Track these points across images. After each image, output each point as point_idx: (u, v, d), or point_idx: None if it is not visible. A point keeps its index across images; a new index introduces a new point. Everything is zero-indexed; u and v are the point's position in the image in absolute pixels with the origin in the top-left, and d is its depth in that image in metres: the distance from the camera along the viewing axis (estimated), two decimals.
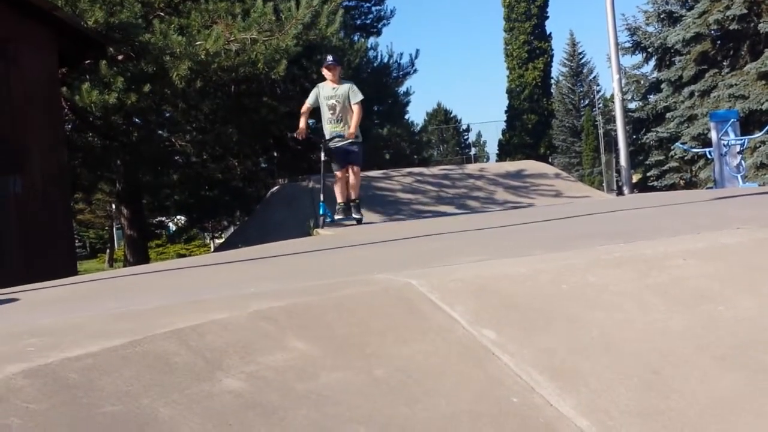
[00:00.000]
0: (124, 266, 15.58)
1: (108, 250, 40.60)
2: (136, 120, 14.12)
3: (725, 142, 13.77)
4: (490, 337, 2.51)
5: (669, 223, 5.09)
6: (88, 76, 10.33)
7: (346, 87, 7.93)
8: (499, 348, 2.45)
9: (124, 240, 19.18)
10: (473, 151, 72.97)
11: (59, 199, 8.74)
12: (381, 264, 3.89)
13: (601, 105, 52.07)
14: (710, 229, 3.85)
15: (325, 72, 8.00)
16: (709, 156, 17.96)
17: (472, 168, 15.46)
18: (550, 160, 47.47)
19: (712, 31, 26.63)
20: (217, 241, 35.27)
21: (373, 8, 22.54)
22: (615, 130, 17.73)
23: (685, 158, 28.15)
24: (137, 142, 13.71)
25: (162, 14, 11.50)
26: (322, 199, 8.08)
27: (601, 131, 48.42)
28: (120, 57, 10.74)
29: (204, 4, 11.04)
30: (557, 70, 57.24)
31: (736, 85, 25.22)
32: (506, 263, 3.32)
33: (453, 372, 2.31)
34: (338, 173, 8.03)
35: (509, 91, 53.81)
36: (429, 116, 68.70)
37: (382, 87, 18.07)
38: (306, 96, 8.22)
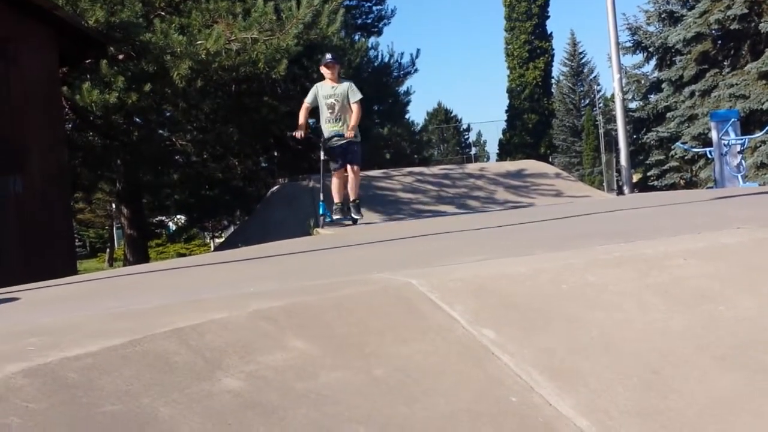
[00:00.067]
0: (124, 266, 15.58)
1: (108, 250, 40.61)
2: (137, 119, 14.12)
3: (726, 142, 13.77)
4: (490, 336, 2.51)
5: (669, 222, 5.09)
6: (88, 76, 10.34)
7: (345, 86, 7.90)
8: (498, 348, 2.45)
9: (124, 239, 19.19)
10: (473, 150, 73.03)
11: (59, 198, 8.74)
12: (380, 263, 3.89)
13: (601, 104, 52.13)
14: (710, 229, 3.85)
15: (323, 70, 7.98)
16: (709, 156, 17.97)
17: (472, 167, 15.45)
18: (550, 159, 47.46)
19: (713, 31, 26.62)
20: (217, 240, 35.27)
21: (374, 8, 22.55)
22: (615, 130, 17.74)
23: (686, 158, 28.14)
24: (138, 142, 13.71)
25: (163, 13, 11.51)
26: (322, 198, 8.07)
27: (601, 131, 48.45)
28: (121, 56, 10.75)
29: (205, 3, 11.04)
30: (558, 69, 57.37)
31: (736, 84, 25.21)
32: (506, 263, 3.32)
33: (452, 371, 2.31)
34: (336, 173, 7.98)
35: (510, 91, 53.83)
36: (429, 116, 68.74)
37: (382, 86, 18.06)
38: (306, 95, 8.20)
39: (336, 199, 8.01)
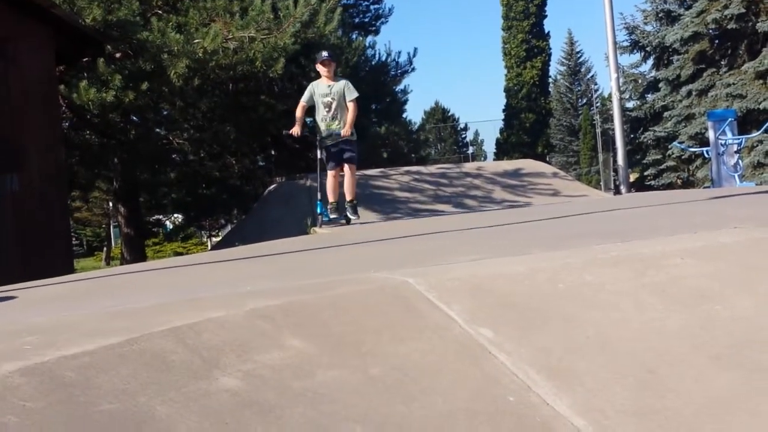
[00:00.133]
0: (121, 264, 15.58)
1: (105, 248, 40.56)
2: (134, 118, 14.11)
3: (723, 142, 13.78)
4: (487, 335, 2.51)
5: (666, 222, 5.10)
6: (85, 74, 10.32)
7: (341, 84, 7.88)
8: (495, 347, 2.45)
9: (121, 238, 19.16)
10: (471, 149, 73.10)
11: (56, 197, 8.73)
12: (378, 262, 3.89)
13: (598, 104, 52.17)
14: (707, 229, 3.86)
15: (319, 68, 7.95)
16: (706, 155, 17.97)
17: (469, 167, 15.44)
18: (547, 159, 47.55)
19: (710, 31, 26.63)
20: (215, 239, 35.23)
21: (372, 6, 22.57)
22: (613, 129, 17.73)
23: (683, 157, 28.14)
24: (135, 140, 13.70)
25: (160, 12, 11.49)
26: (319, 197, 8.05)
27: (598, 130, 48.49)
28: (118, 55, 10.73)
29: (202, 2, 11.03)
30: (555, 68, 57.42)
31: (733, 84, 25.23)
32: (503, 262, 3.32)
33: (449, 370, 2.31)
34: (331, 172, 7.93)
35: (507, 90, 53.81)
36: (427, 115, 68.76)
37: (380, 85, 18.06)
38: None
39: (331, 198, 7.97)
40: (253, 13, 10.65)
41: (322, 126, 7.87)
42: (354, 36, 18.26)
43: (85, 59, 10.35)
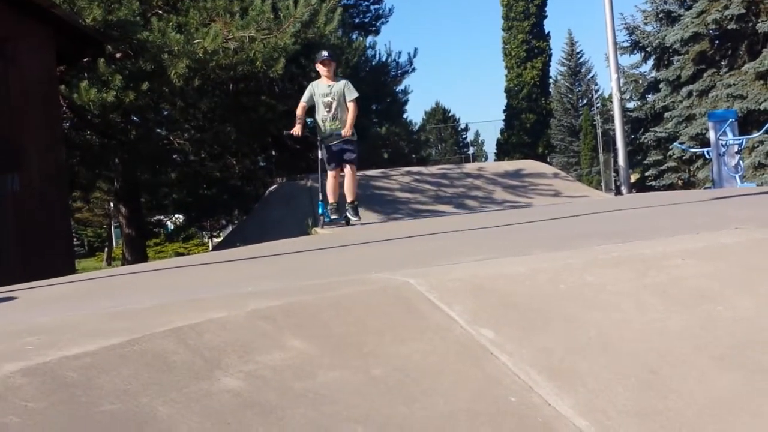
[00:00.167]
0: (122, 265, 15.58)
1: (106, 249, 40.57)
2: (135, 118, 14.11)
3: (723, 142, 13.78)
4: (488, 336, 2.51)
5: (667, 222, 5.10)
6: (86, 74, 10.32)
7: (341, 84, 7.87)
8: (497, 347, 2.45)
9: (122, 238, 19.18)
10: (471, 150, 73.05)
11: (57, 197, 8.73)
12: (379, 263, 3.89)
13: (599, 104, 52.15)
14: (708, 229, 3.86)
15: (319, 67, 7.93)
16: (707, 156, 17.97)
17: (470, 167, 15.43)
18: (548, 159, 47.53)
19: (711, 31, 26.63)
20: (216, 240, 35.26)
21: (372, 7, 22.57)
22: (613, 130, 17.72)
23: (684, 158, 28.14)
24: (135, 141, 13.70)
25: (160, 12, 11.50)
26: (321, 198, 8.04)
27: (599, 131, 48.45)
28: (118, 55, 10.74)
29: (202, 2, 11.03)
30: (555, 69, 57.37)
31: (734, 84, 25.23)
32: (504, 263, 3.32)
33: (451, 371, 2.31)
34: (332, 172, 7.91)
35: (507, 91, 53.79)
36: (427, 115, 68.74)
37: (380, 86, 18.07)
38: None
39: (330, 199, 7.95)
40: (253, 13, 10.65)
41: (323, 126, 7.87)
42: (354, 36, 18.26)
43: (85, 59, 10.36)
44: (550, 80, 55.96)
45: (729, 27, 25.47)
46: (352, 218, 8.00)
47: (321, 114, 7.84)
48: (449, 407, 2.12)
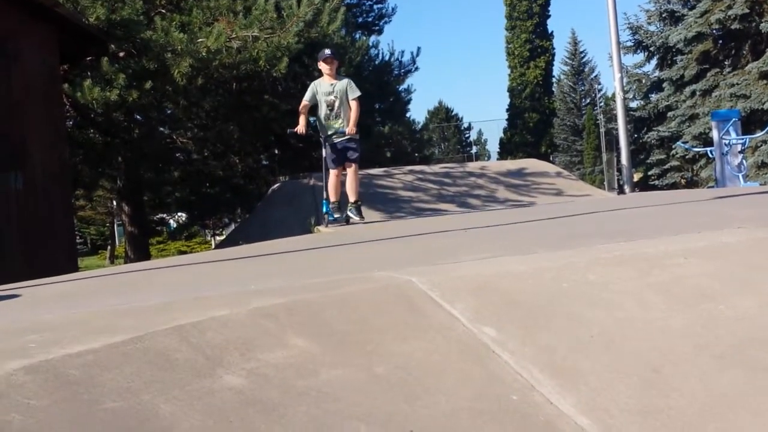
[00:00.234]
0: (125, 263, 15.59)
1: (109, 247, 40.64)
2: (138, 117, 14.12)
3: (726, 142, 13.75)
4: (491, 334, 2.51)
5: (670, 222, 5.09)
6: (89, 73, 10.33)
7: (344, 83, 7.85)
8: (499, 346, 2.45)
9: (125, 237, 19.16)
10: (474, 149, 73.10)
11: (60, 195, 8.75)
12: (381, 261, 3.89)
13: (602, 104, 52.12)
14: (711, 229, 3.85)
15: (322, 66, 7.92)
16: (710, 155, 17.93)
17: (473, 166, 15.40)
18: (551, 158, 47.49)
19: (714, 31, 26.60)
20: (218, 238, 35.29)
21: (375, 6, 22.55)
22: (616, 129, 17.73)
23: (687, 157, 28.11)
24: (138, 139, 13.72)
25: (163, 11, 11.50)
26: (325, 197, 8.03)
27: (602, 130, 48.45)
28: (121, 54, 10.74)
29: (205, 1, 11.03)
30: (559, 68, 57.39)
31: (737, 84, 25.19)
32: (507, 261, 3.32)
33: (453, 369, 2.31)
34: (334, 171, 7.89)
35: (510, 90, 53.77)
36: (430, 114, 68.77)
37: (383, 85, 18.06)
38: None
39: (332, 198, 7.93)
40: (256, 12, 10.65)
41: (325, 125, 7.87)
42: (357, 35, 18.26)
43: (88, 58, 10.38)
44: (554, 79, 55.95)
45: (732, 27, 25.44)
46: (355, 218, 7.97)
47: (323, 112, 7.84)
48: (451, 405, 2.12)
